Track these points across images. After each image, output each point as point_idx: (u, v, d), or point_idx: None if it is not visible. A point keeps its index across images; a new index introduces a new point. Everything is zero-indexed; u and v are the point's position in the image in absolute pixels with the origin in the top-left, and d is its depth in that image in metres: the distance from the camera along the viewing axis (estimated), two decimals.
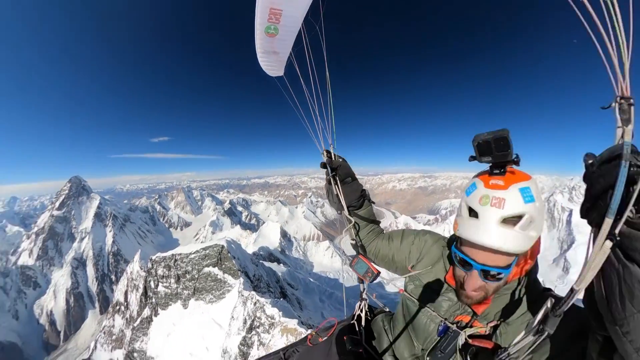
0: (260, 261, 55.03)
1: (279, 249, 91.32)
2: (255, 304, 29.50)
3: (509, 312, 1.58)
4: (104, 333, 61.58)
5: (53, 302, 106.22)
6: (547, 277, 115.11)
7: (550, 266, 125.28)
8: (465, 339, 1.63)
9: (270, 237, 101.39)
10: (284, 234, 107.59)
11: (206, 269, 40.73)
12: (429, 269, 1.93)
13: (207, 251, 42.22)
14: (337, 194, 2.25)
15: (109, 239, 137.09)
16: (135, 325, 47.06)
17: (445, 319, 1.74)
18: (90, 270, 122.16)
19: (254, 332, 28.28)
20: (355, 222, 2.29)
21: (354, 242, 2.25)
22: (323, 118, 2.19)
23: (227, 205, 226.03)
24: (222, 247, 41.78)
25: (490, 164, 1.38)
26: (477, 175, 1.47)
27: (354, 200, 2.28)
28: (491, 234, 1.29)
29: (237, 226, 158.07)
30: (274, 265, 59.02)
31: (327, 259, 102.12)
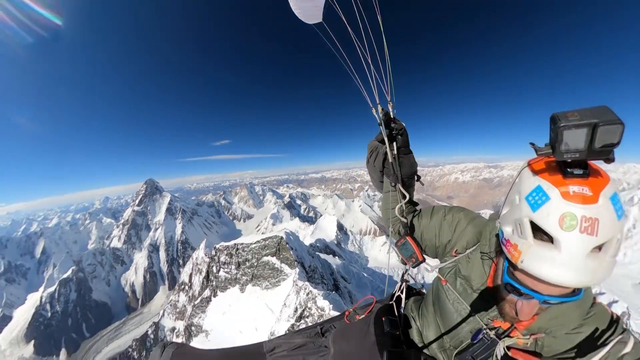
0: (317, 253, 55.48)
1: (335, 242, 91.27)
2: (307, 294, 30.00)
3: (557, 323, 1.32)
4: (170, 305, 71.79)
5: (134, 276, 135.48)
6: (631, 300, 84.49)
7: (636, 287, 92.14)
8: (504, 349, 1.39)
9: (327, 230, 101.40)
10: (341, 227, 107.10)
11: (265, 258, 42.30)
12: (462, 256, 1.66)
13: (267, 242, 43.85)
14: (392, 161, 1.96)
15: (179, 230, 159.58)
16: (195, 303, 52.15)
17: (482, 321, 1.51)
18: (162, 254, 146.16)
19: (302, 321, 28.85)
20: (408, 198, 2.00)
21: (399, 219, 2.00)
22: (378, 71, 1.91)
23: (286, 199, 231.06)
24: (281, 238, 43.05)
25: (566, 160, 0.94)
26: (539, 172, 1.04)
27: (408, 176, 2.02)
28: (578, 271, 0.93)
29: (296, 219, 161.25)
30: (329, 258, 59.36)
31: (383, 255, 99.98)
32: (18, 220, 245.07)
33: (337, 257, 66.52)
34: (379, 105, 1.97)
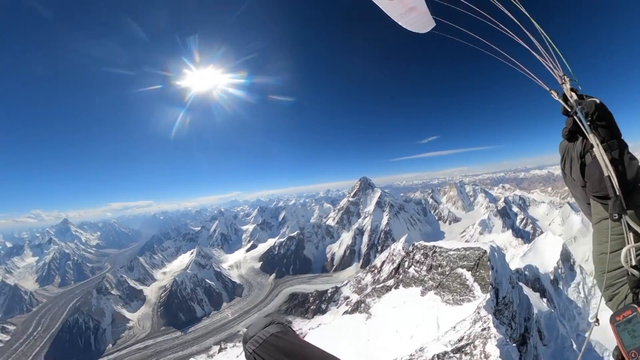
0: (520, 284, 45.47)
1: (552, 277, 71.31)
2: (483, 329, 24.64)
3: None
4: (355, 279, 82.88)
5: (337, 248, 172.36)
6: None
7: None
8: None
9: (545, 256, 78.37)
10: (566, 257, 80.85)
11: (459, 270, 39.06)
12: None
13: (467, 252, 40.12)
14: (604, 165, 1.28)
15: (384, 221, 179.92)
16: (377, 287, 55.77)
17: None
18: (365, 238, 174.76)
19: (457, 356, 24.34)
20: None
21: (625, 274, 1.29)
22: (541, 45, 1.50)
23: (500, 204, 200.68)
24: (484, 252, 38.43)
25: None
26: None
27: (634, 190, 1.28)
28: None
29: (509, 231, 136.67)
30: (534, 297, 46.43)
31: None
32: (273, 198, 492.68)
33: (545, 300, 50.58)
34: (569, 88, 1.47)
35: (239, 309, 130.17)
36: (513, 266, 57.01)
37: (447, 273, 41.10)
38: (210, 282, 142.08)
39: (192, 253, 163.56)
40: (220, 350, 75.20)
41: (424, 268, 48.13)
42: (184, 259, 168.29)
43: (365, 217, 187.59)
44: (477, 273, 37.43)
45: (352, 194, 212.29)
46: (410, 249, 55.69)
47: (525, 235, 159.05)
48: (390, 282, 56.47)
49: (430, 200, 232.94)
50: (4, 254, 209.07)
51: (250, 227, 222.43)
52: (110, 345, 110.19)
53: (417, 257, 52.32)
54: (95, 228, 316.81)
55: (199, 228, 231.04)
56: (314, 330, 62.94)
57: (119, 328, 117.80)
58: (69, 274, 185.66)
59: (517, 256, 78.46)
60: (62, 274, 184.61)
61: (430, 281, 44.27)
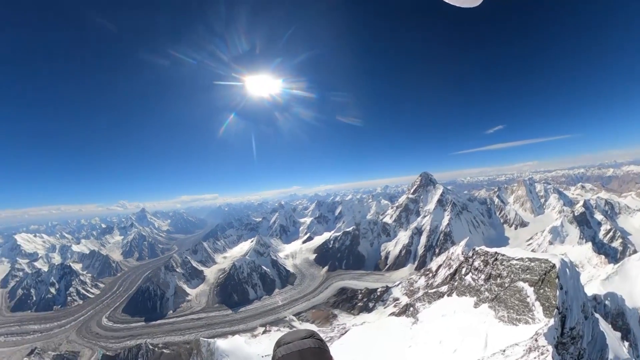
0: (597, 315, 36.48)
1: None
2: None
3: None
4: (407, 281, 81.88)
5: (393, 247, 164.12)
6: None
7: None
8: None
9: (636, 283, 57.42)
10: None
11: (520, 284, 33.45)
12: None
13: (533, 264, 34.31)
14: None
15: (445, 221, 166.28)
16: (429, 291, 52.29)
17: None
18: (423, 238, 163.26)
19: None
20: None
21: None
22: None
23: (578, 209, 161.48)
24: (553, 266, 31.77)
25: None
26: None
27: None
28: None
29: (588, 244, 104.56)
30: (612, 336, 37.85)
31: None
32: (330, 193, 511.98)
33: (627, 344, 39.86)
34: None
35: (289, 297, 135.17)
36: (590, 290, 46.65)
37: (506, 285, 36.70)
38: (265, 269, 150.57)
39: (252, 241, 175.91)
40: (264, 332, 78.92)
41: (482, 277, 43.68)
42: (244, 246, 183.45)
43: (424, 216, 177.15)
44: (541, 291, 31.60)
45: (411, 191, 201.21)
46: (470, 254, 51.53)
47: (610, 252, 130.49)
48: (444, 288, 52.62)
49: (496, 200, 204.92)
50: (100, 232, 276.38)
51: (307, 220, 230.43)
52: (171, 311, 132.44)
53: (476, 263, 47.82)
54: (167, 217, 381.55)
55: (260, 219, 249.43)
56: (357, 327, 62.20)
57: (179, 299, 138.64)
58: (144, 252, 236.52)
59: (596, 278, 62.72)
60: (139, 251, 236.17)
61: (486, 292, 40.33)
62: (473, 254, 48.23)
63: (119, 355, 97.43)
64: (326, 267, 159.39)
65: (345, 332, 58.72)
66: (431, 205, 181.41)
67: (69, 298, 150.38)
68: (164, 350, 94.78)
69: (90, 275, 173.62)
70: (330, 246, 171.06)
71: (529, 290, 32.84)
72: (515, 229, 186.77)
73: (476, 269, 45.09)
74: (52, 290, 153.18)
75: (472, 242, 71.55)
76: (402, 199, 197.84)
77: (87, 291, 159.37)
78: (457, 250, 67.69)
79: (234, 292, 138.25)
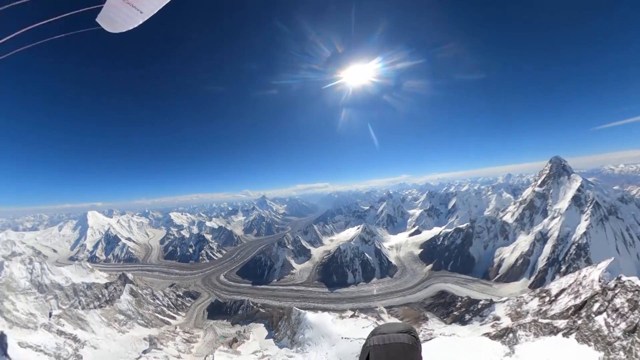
0: None
1: None
2: None
3: None
4: (516, 300, 69.92)
5: (508, 254, 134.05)
6: None
7: None
8: None
9: None
10: None
11: None
12: None
13: None
14: None
15: (581, 229, 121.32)
16: (538, 320, 43.84)
17: None
18: (547, 248, 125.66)
19: None
20: None
21: None
22: None
23: None
24: None
25: None
26: None
27: None
28: None
29: None
30: None
31: None
32: (444, 183, 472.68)
33: None
34: None
35: (385, 288, 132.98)
36: None
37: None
38: (368, 256, 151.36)
39: (358, 228, 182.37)
40: (352, 316, 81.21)
41: (623, 325, 32.52)
42: (351, 232, 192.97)
43: (553, 217, 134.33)
44: None
45: (538, 182, 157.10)
46: (612, 284, 40.01)
47: None
48: (561, 323, 42.08)
49: None
50: (227, 213, 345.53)
51: (417, 212, 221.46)
52: (275, 280, 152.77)
53: (618, 301, 36.15)
54: (283, 202, 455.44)
55: (368, 207, 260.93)
56: (444, 337, 55.45)
57: (285, 271, 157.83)
58: (262, 230, 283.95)
59: None
60: (258, 229, 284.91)
61: (622, 352, 30.37)
62: (616, 286, 37.13)
63: (226, 303, 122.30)
64: (430, 265, 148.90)
65: (431, 338, 54.42)
66: (563, 204, 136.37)
67: (200, 257, 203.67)
68: (261, 310, 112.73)
69: (217, 243, 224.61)
70: (439, 243, 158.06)
71: None
72: None
73: (616, 309, 34.51)
74: (190, 250, 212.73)
75: (619, 266, 56.01)
76: (527, 193, 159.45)
77: (213, 254, 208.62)
78: (592, 274, 52.98)
79: (334, 273, 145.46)
